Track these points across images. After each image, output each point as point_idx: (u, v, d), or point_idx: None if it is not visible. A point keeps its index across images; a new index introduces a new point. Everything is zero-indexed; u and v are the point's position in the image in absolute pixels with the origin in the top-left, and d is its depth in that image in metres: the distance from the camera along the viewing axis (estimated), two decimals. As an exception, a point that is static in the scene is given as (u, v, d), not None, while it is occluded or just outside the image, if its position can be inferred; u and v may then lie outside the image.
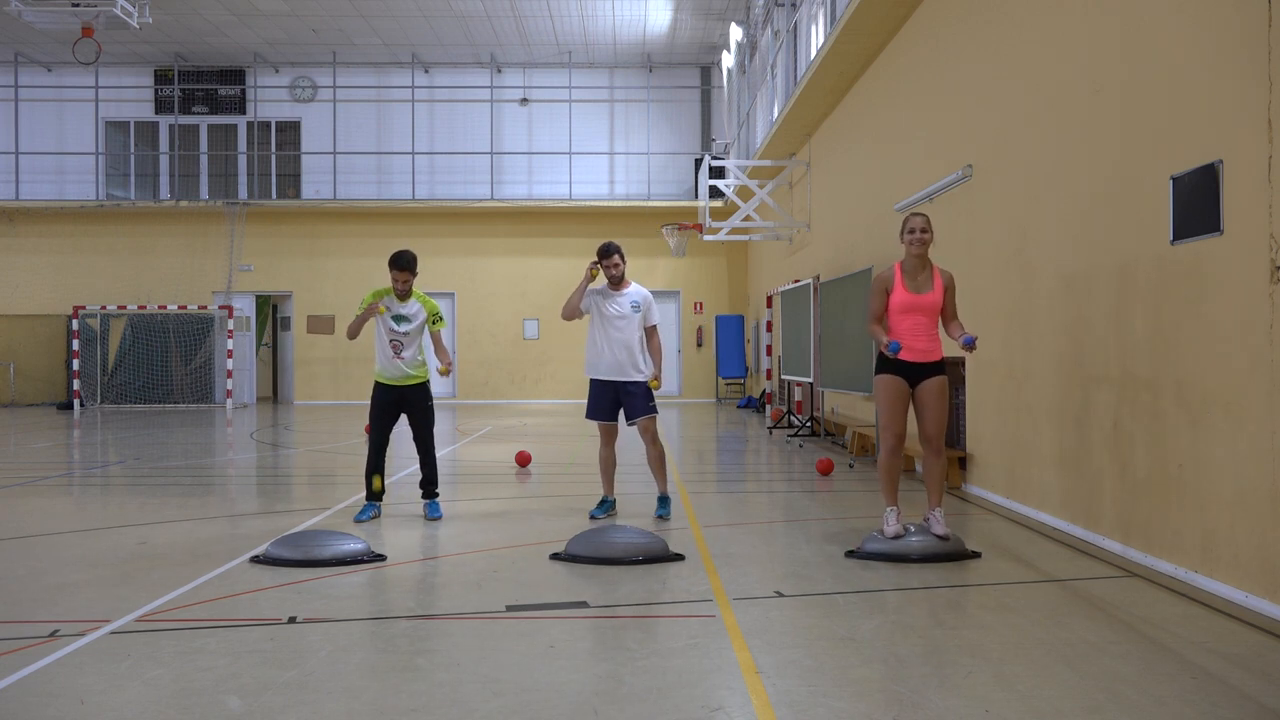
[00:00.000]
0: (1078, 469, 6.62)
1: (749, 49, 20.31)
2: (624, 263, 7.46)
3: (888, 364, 6.05)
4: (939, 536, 5.94)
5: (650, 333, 7.55)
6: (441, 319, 7.60)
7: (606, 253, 7.42)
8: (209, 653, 4.17)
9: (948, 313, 6.11)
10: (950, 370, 9.39)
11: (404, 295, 7.44)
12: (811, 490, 9.10)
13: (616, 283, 7.47)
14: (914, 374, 6.02)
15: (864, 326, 11.34)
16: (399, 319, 7.41)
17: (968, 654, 4.13)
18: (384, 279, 7.70)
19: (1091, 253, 6.40)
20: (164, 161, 24.42)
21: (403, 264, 7.37)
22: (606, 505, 7.52)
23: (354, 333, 7.36)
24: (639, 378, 7.43)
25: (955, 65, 9.06)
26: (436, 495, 7.64)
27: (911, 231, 6.03)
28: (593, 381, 7.51)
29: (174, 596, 5.11)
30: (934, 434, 6.03)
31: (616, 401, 7.46)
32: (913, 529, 6.06)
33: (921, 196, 9.72)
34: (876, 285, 6.11)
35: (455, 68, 24.40)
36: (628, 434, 7.92)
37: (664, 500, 7.51)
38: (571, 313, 7.52)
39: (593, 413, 7.48)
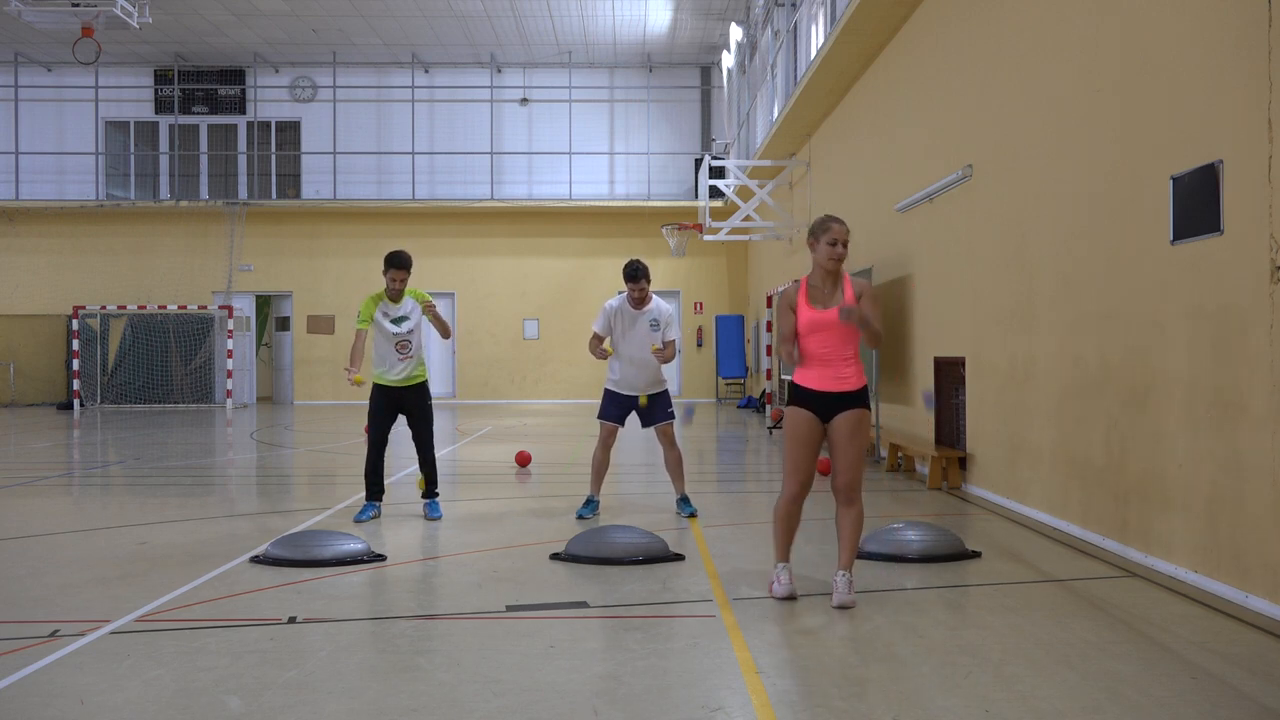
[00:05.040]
0: (1077, 469, 6.62)
1: (749, 49, 20.30)
2: (649, 284, 7.46)
3: (799, 394, 5.10)
4: (836, 606, 4.85)
5: (667, 345, 7.54)
6: (434, 303, 7.58)
7: (633, 277, 7.41)
8: (209, 653, 4.17)
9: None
10: (951, 369, 9.46)
11: (398, 296, 7.46)
12: (811, 490, 9.07)
13: (639, 302, 7.52)
14: (828, 405, 5.06)
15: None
16: (398, 320, 7.43)
17: (968, 654, 4.13)
18: (383, 279, 7.68)
19: (1091, 253, 6.40)
20: (164, 161, 24.41)
21: (401, 263, 7.39)
22: (593, 505, 7.57)
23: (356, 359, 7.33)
24: (658, 389, 7.58)
25: (955, 65, 9.06)
26: (436, 495, 7.65)
27: (833, 244, 5.01)
28: (610, 391, 7.63)
29: (174, 596, 5.11)
30: (845, 483, 5.08)
31: (631, 410, 7.61)
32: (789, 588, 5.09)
33: (921, 196, 9.72)
34: (782, 304, 5.20)
35: (455, 68, 24.39)
36: (624, 438, 7.92)
37: (685, 500, 7.62)
38: (597, 348, 7.52)
39: (605, 413, 7.61)
